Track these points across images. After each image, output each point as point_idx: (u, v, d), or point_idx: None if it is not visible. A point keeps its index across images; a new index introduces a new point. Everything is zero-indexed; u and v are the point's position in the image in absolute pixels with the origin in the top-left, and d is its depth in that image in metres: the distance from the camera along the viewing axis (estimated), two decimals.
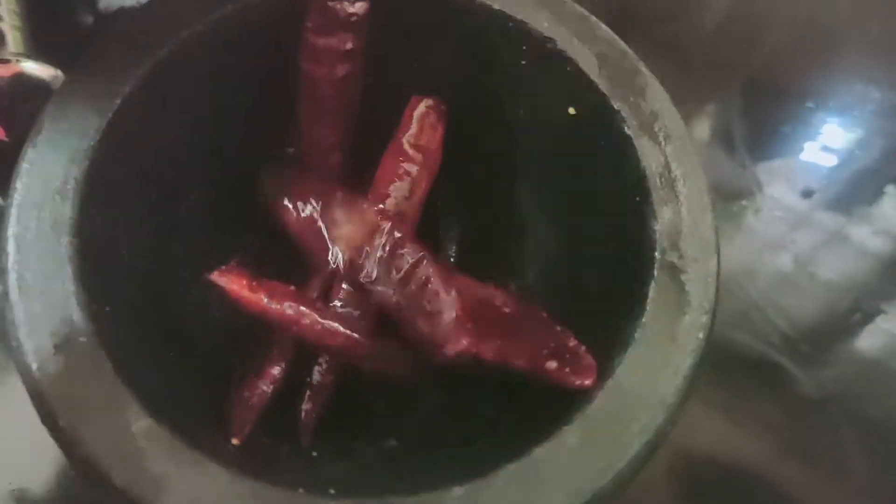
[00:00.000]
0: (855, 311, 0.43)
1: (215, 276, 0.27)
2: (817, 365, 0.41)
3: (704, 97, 0.51)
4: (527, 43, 0.29)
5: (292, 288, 0.28)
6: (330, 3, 0.28)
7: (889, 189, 0.47)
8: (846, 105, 0.51)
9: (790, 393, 0.40)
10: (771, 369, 0.41)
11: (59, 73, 0.38)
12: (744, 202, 0.46)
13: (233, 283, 0.27)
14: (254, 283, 0.27)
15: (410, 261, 0.27)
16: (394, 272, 0.27)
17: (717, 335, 0.25)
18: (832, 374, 0.41)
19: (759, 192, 0.47)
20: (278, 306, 0.27)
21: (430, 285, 0.26)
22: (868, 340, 0.42)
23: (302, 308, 0.27)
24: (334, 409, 0.30)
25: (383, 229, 0.28)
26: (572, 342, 0.26)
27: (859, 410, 0.40)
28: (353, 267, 0.29)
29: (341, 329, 0.27)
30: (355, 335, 0.28)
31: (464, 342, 0.25)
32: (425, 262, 0.27)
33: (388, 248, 0.28)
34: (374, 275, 0.28)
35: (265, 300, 0.27)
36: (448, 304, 0.26)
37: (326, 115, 0.31)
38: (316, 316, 0.27)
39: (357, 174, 0.33)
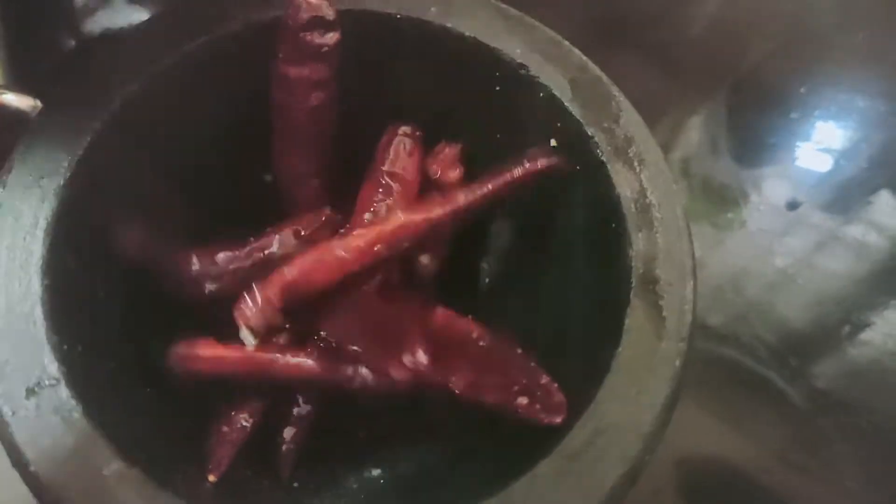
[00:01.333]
0: (844, 322, 0.43)
1: (180, 346, 0.27)
2: (807, 377, 0.41)
3: (692, 105, 0.51)
4: (500, 70, 0.29)
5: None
6: (301, 35, 0.28)
7: (876, 197, 0.47)
8: (833, 113, 0.51)
9: (780, 405, 0.40)
10: (761, 381, 0.41)
11: (38, 103, 0.38)
12: (731, 212, 0.46)
13: (200, 346, 0.27)
14: (220, 346, 0.27)
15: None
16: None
17: (706, 348, 0.25)
18: (823, 386, 0.41)
19: (747, 201, 0.46)
20: (246, 359, 0.27)
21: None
22: (858, 351, 0.42)
23: (270, 356, 0.27)
24: (315, 439, 0.29)
25: None
26: (544, 379, 0.26)
27: (851, 422, 0.40)
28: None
29: (311, 363, 0.27)
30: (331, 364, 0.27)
31: (419, 364, 0.25)
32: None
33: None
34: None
35: (234, 356, 0.27)
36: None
37: (301, 144, 0.31)
38: (290, 361, 0.27)
39: (340, 200, 0.32)
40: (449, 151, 0.33)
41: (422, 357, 0.25)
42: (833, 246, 0.45)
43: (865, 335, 0.43)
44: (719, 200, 0.47)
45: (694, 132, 0.50)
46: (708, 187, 0.47)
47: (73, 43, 0.47)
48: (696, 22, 0.55)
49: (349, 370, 0.28)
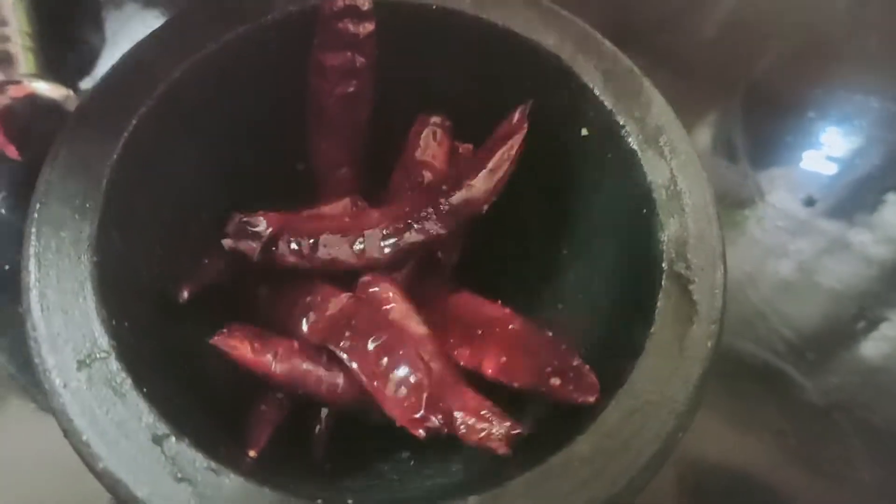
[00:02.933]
0: (859, 319, 0.44)
1: (217, 341, 0.27)
2: (822, 372, 0.41)
3: (706, 107, 0.51)
4: (532, 60, 0.30)
5: (295, 344, 0.28)
6: (336, 23, 0.29)
7: (889, 197, 0.48)
8: (846, 115, 0.51)
9: (795, 400, 0.41)
10: (776, 377, 0.41)
11: (71, 93, 0.39)
12: (746, 211, 0.47)
13: (235, 347, 0.27)
14: (256, 345, 0.27)
15: (382, 341, 0.26)
16: (367, 350, 0.26)
17: (722, 343, 0.25)
18: (837, 382, 0.41)
19: (762, 201, 0.47)
20: (282, 367, 0.27)
21: (401, 365, 0.25)
22: (872, 348, 0.43)
23: (305, 366, 0.27)
24: (347, 422, 0.30)
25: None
26: (576, 360, 0.27)
27: (864, 418, 0.40)
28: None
29: (343, 383, 0.27)
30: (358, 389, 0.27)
31: (434, 422, 0.25)
32: (399, 342, 0.26)
33: (361, 327, 0.27)
34: (349, 349, 0.26)
35: (270, 363, 0.27)
36: (418, 387, 0.25)
37: (335, 132, 0.32)
38: (321, 372, 0.27)
39: (371, 188, 0.33)
40: (463, 150, 0.33)
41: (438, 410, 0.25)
42: (846, 244, 0.46)
43: (879, 332, 0.43)
44: (734, 200, 0.47)
45: (708, 133, 0.51)
46: (723, 187, 0.48)
47: (100, 40, 0.48)
48: (709, 26, 0.56)
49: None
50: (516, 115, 0.29)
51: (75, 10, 0.49)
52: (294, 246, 0.29)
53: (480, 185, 0.28)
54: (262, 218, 0.29)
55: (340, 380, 0.27)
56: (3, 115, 0.37)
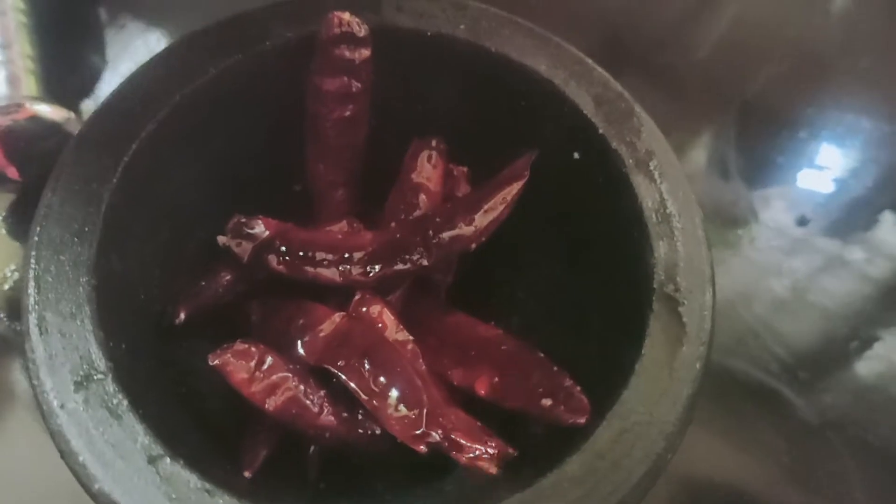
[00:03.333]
0: (853, 338, 0.44)
1: (214, 359, 0.27)
2: (816, 391, 0.42)
3: (699, 126, 0.52)
4: (526, 85, 0.30)
5: (293, 371, 0.27)
6: (332, 49, 0.29)
7: (883, 216, 0.48)
8: (839, 134, 0.52)
9: (789, 419, 0.41)
10: (770, 396, 0.41)
11: (72, 115, 0.39)
12: (739, 230, 0.47)
13: (232, 370, 0.27)
14: (255, 372, 0.27)
15: (379, 359, 0.26)
16: (364, 368, 0.26)
17: (715, 362, 0.26)
18: (830, 401, 0.41)
19: (755, 220, 0.47)
20: (275, 401, 0.27)
21: (400, 382, 0.26)
22: (866, 367, 0.43)
23: (304, 401, 0.27)
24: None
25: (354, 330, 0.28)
26: (567, 382, 0.27)
27: (858, 437, 0.40)
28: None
29: (336, 424, 0.28)
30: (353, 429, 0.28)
31: (434, 436, 0.25)
32: (396, 360, 0.27)
33: (358, 346, 0.27)
34: (346, 369, 0.26)
35: (264, 398, 0.27)
36: (418, 403, 0.25)
37: (332, 155, 0.32)
38: (314, 413, 0.27)
39: (368, 210, 0.34)
40: (458, 173, 0.34)
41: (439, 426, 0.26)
42: (840, 264, 0.46)
43: (873, 351, 0.43)
44: (728, 219, 0.48)
45: (701, 152, 0.51)
46: (716, 206, 0.48)
47: (100, 62, 0.49)
48: (703, 45, 0.56)
49: (364, 427, 0.28)
50: (519, 162, 0.29)
51: (78, 32, 0.49)
52: (283, 256, 0.29)
53: (473, 223, 0.29)
54: (260, 221, 0.29)
55: (331, 418, 0.28)
56: (5, 137, 0.37)
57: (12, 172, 0.38)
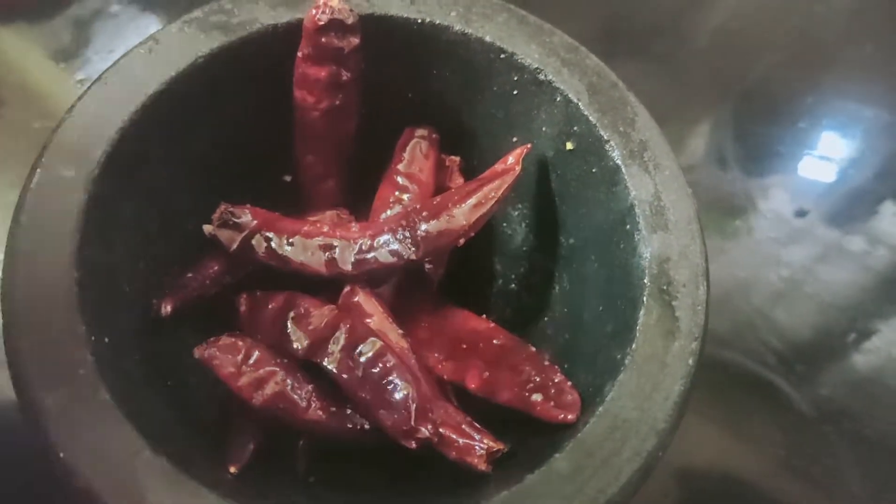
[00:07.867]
0: (850, 331, 0.44)
1: (200, 353, 0.27)
2: (813, 384, 0.41)
3: (698, 115, 0.51)
4: (517, 74, 0.30)
5: (281, 365, 0.28)
6: (320, 37, 0.29)
7: (883, 206, 0.48)
8: (839, 123, 0.51)
9: (786, 411, 0.41)
10: (766, 388, 0.41)
11: None
12: (737, 220, 0.47)
13: (218, 364, 0.27)
14: (242, 366, 0.27)
15: (370, 353, 0.26)
16: (355, 362, 0.26)
17: (712, 354, 0.25)
18: (827, 393, 0.41)
19: (754, 210, 0.47)
20: (262, 396, 0.27)
21: (390, 376, 0.25)
22: (863, 359, 0.43)
23: (292, 396, 0.27)
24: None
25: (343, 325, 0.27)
26: (558, 377, 0.27)
27: (855, 429, 0.40)
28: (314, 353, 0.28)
29: (324, 418, 0.27)
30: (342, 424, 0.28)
31: (424, 432, 0.25)
32: (387, 354, 0.26)
33: (348, 339, 0.27)
34: (336, 362, 0.26)
35: (250, 392, 0.27)
36: (409, 398, 0.25)
37: (321, 145, 0.32)
38: (301, 407, 0.27)
39: (358, 200, 0.33)
40: (449, 163, 0.33)
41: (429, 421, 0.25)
42: (839, 255, 0.46)
43: (870, 343, 0.43)
44: (726, 209, 0.47)
45: (700, 141, 0.50)
46: (715, 196, 0.48)
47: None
48: (704, 33, 0.56)
49: (353, 422, 0.28)
50: (511, 157, 0.29)
51: None
52: (270, 244, 0.29)
53: (461, 217, 0.28)
54: (247, 210, 0.29)
55: (320, 413, 0.27)
56: None
57: None
